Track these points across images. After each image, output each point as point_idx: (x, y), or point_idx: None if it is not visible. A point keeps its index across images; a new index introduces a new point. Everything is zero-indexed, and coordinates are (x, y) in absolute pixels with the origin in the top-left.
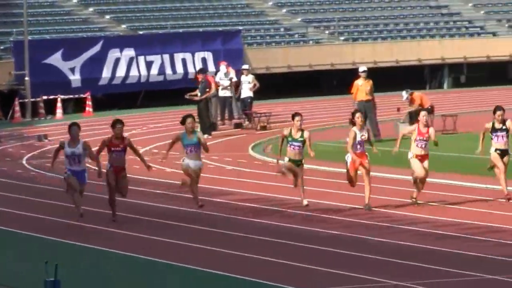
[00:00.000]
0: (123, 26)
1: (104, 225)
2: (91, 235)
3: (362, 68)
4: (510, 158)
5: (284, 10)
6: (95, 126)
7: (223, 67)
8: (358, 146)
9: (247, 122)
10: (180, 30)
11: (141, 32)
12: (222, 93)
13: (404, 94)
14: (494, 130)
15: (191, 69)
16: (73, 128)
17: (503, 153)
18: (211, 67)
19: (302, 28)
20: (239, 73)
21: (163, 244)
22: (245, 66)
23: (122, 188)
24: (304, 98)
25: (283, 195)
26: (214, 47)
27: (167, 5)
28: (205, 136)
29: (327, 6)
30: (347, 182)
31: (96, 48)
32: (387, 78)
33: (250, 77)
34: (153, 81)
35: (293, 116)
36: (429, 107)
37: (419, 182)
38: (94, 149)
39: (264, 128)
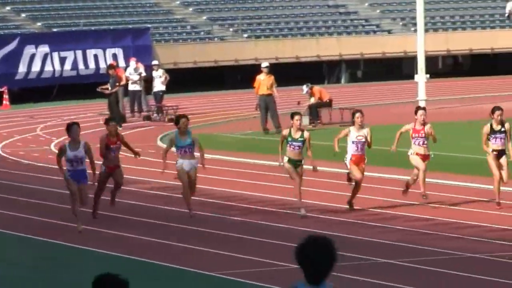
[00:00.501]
0: (38, 24)
1: (97, 226)
2: (86, 236)
3: (264, 64)
4: (509, 158)
5: (190, 9)
6: (12, 119)
7: (132, 63)
8: (355, 148)
9: (160, 114)
10: (92, 28)
11: (55, 30)
12: (132, 87)
13: (305, 88)
14: (492, 132)
15: (102, 65)
16: (74, 128)
17: (500, 153)
18: (121, 63)
19: (208, 26)
20: (148, 68)
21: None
22: (154, 62)
23: (118, 178)
24: (210, 92)
25: None
26: (124, 44)
27: (80, 4)
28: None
29: (231, 5)
30: (348, 182)
31: (13, 44)
32: (288, 73)
33: (161, 71)
34: (66, 76)
35: (292, 116)
36: (328, 101)
37: (414, 177)
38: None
39: (171, 120)
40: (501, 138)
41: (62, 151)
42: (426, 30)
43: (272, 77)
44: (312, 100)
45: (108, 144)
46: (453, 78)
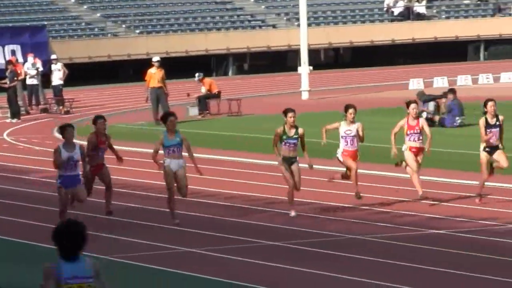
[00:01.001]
0: None
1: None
2: None
3: (155, 58)
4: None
5: (85, 7)
6: None
7: (30, 58)
8: (345, 143)
9: (60, 107)
10: None
11: None
12: (30, 81)
13: (197, 76)
14: (488, 125)
15: (1, 60)
16: (69, 130)
17: (493, 149)
18: (20, 59)
19: (102, 23)
20: (45, 63)
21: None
22: (53, 56)
23: (105, 177)
24: (104, 85)
25: None
26: (22, 41)
27: None
28: (14, 120)
29: (124, 2)
30: (345, 180)
31: None
32: (178, 67)
33: (59, 65)
34: None
35: (286, 112)
36: (216, 92)
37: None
38: None
39: (67, 112)
40: (496, 133)
41: (57, 152)
42: (309, 25)
43: (163, 71)
44: (203, 90)
45: (98, 144)
46: (334, 69)
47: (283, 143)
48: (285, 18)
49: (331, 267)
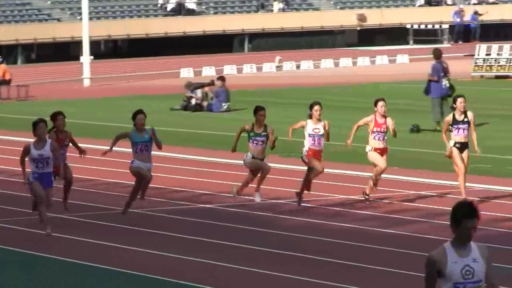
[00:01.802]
0: None
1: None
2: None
3: None
4: (471, 152)
5: None
6: None
7: None
8: (312, 142)
9: None
10: None
11: None
12: None
13: None
14: (455, 122)
15: None
16: (40, 126)
17: (463, 146)
18: None
19: None
20: None
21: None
22: None
23: (68, 176)
24: None
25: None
26: None
27: None
28: None
29: None
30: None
31: None
32: None
33: None
34: None
35: (257, 110)
36: (8, 80)
37: (376, 176)
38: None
39: None
40: (464, 129)
41: (26, 150)
42: (90, 19)
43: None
44: None
45: (58, 143)
46: (113, 59)
47: (251, 140)
48: (68, 13)
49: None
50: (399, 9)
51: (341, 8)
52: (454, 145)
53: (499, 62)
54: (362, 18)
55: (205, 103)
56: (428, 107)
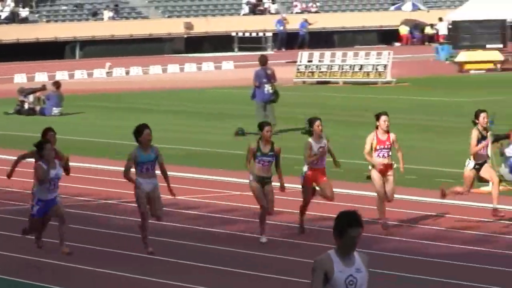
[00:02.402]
0: None
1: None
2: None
3: None
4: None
5: None
6: None
7: None
8: (315, 161)
9: None
10: None
11: None
12: None
13: None
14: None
15: None
16: (48, 146)
17: (481, 165)
18: None
19: None
20: None
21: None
22: None
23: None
24: None
25: None
26: None
27: None
28: None
29: None
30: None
31: None
32: None
33: None
34: None
35: (262, 126)
36: None
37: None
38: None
39: None
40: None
41: (41, 168)
42: None
43: None
44: None
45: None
46: None
47: (257, 160)
48: None
49: None
50: (225, 18)
51: (169, 17)
52: (474, 167)
53: (320, 69)
54: (189, 26)
55: (37, 108)
56: (252, 111)
